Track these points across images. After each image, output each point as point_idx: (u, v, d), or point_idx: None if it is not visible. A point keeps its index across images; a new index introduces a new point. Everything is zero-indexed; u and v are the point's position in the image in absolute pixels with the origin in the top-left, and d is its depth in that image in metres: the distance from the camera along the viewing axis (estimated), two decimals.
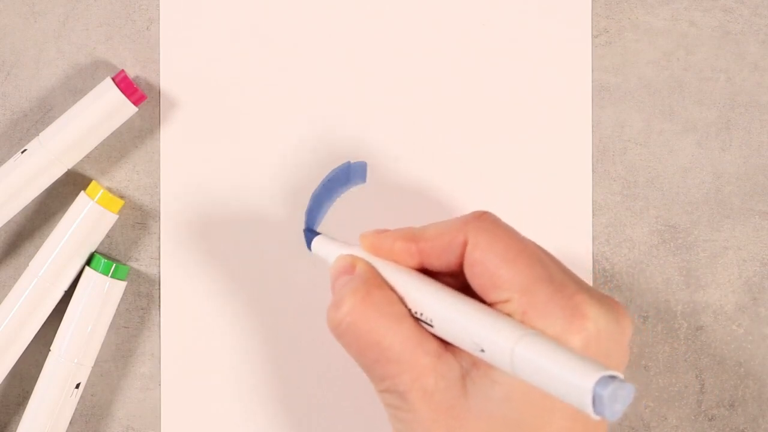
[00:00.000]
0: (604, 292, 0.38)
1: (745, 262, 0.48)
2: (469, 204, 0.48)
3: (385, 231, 0.41)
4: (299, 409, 0.48)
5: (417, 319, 0.38)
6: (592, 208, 0.48)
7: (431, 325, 0.38)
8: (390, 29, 0.48)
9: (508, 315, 0.36)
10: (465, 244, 0.38)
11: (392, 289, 0.39)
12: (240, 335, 0.48)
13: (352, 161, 0.47)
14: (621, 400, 0.31)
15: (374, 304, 0.38)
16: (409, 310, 0.38)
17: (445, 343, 0.38)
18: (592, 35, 0.48)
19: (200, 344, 0.48)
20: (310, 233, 0.45)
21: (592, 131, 0.48)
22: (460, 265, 0.38)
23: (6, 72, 0.48)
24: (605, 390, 0.31)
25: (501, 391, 0.36)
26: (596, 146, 0.48)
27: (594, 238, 0.48)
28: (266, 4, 0.48)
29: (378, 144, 0.48)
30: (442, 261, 0.39)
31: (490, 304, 0.37)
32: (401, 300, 0.39)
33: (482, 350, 0.35)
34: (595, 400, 0.31)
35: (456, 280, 0.39)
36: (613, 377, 0.31)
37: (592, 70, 0.48)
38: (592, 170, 0.48)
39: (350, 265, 0.40)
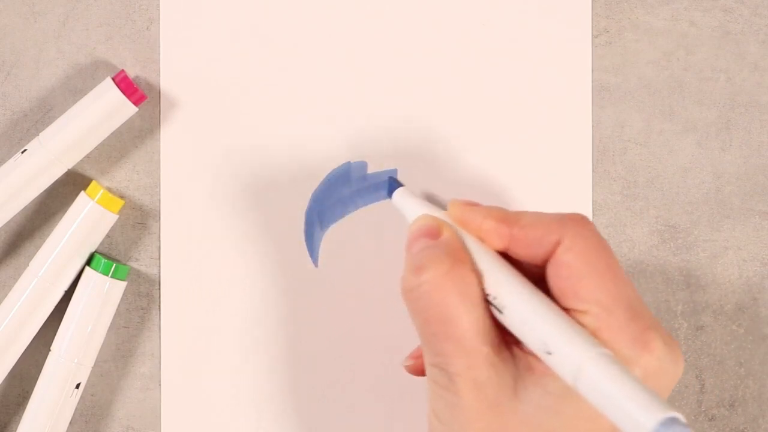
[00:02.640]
0: (669, 333, 0.38)
1: (745, 262, 0.48)
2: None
3: (477, 205, 0.40)
4: (299, 409, 0.48)
5: (488, 302, 0.37)
6: (592, 208, 0.48)
7: (501, 312, 0.37)
8: (390, 29, 0.48)
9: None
10: (558, 244, 0.37)
11: (473, 267, 0.38)
12: (240, 335, 0.48)
13: (352, 161, 0.47)
14: None
15: (454, 281, 0.37)
16: (483, 290, 0.38)
17: (505, 341, 0.38)
18: (592, 35, 0.48)
19: (200, 344, 0.48)
20: (394, 183, 0.44)
21: (592, 131, 0.48)
22: (544, 261, 0.38)
23: (6, 72, 0.48)
24: (666, 431, 0.31)
25: (552, 402, 0.36)
26: (596, 146, 0.48)
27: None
28: (266, 4, 0.48)
29: (378, 144, 0.48)
30: (528, 252, 0.38)
31: (565, 311, 0.37)
32: (478, 279, 0.38)
33: (549, 353, 0.35)
34: None
35: (535, 275, 0.38)
36: (675, 419, 0.31)
37: (592, 70, 0.48)
38: (592, 170, 0.48)
39: (436, 229, 0.39)
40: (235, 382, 0.48)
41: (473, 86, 0.48)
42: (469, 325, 0.37)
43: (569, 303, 0.37)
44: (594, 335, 0.36)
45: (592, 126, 0.48)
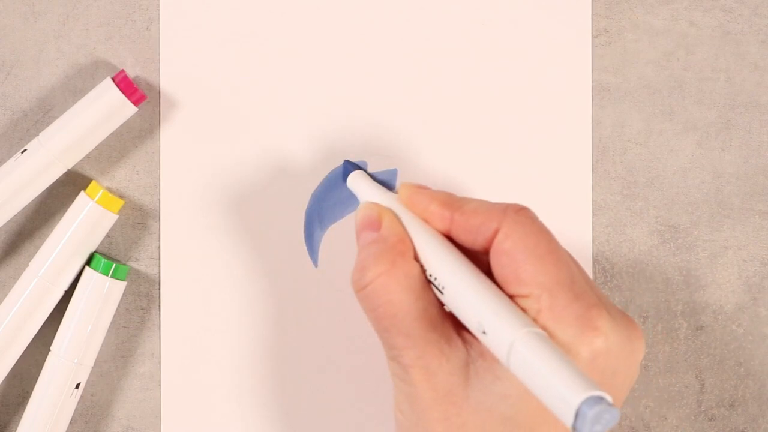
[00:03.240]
0: (621, 310, 0.38)
1: (745, 262, 0.48)
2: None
3: (424, 188, 0.41)
4: (299, 409, 0.48)
5: (429, 282, 0.38)
6: (592, 208, 0.48)
7: (441, 292, 0.38)
8: (390, 30, 0.48)
9: (523, 310, 0.36)
10: (496, 232, 0.38)
11: (415, 250, 0.39)
12: (240, 335, 0.48)
13: (351, 160, 0.47)
14: (604, 422, 0.31)
15: (396, 277, 0.38)
16: (425, 272, 0.38)
17: (458, 330, 0.38)
18: (592, 35, 0.48)
19: (200, 344, 0.48)
20: (350, 166, 0.45)
21: (592, 131, 0.48)
22: (485, 249, 0.38)
23: (6, 72, 0.48)
24: (590, 410, 0.31)
25: (502, 387, 0.36)
26: (596, 146, 0.48)
27: (594, 238, 0.48)
28: (266, 4, 0.48)
29: (377, 144, 0.48)
30: (469, 238, 0.39)
31: (509, 297, 0.37)
32: (420, 261, 0.39)
33: (484, 332, 0.35)
34: (578, 417, 0.31)
35: (477, 262, 0.39)
36: (601, 398, 0.31)
37: (592, 70, 0.48)
38: (592, 170, 0.48)
39: (376, 220, 0.41)
40: (235, 382, 0.48)
41: (473, 86, 0.48)
42: (415, 316, 0.38)
43: (512, 289, 0.37)
44: (536, 318, 0.36)
45: (592, 126, 0.48)
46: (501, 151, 0.48)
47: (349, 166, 0.46)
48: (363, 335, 0.48)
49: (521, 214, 0.38)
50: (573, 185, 0.48)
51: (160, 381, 0.48)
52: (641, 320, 0.48)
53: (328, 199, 0.47)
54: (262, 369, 0.48)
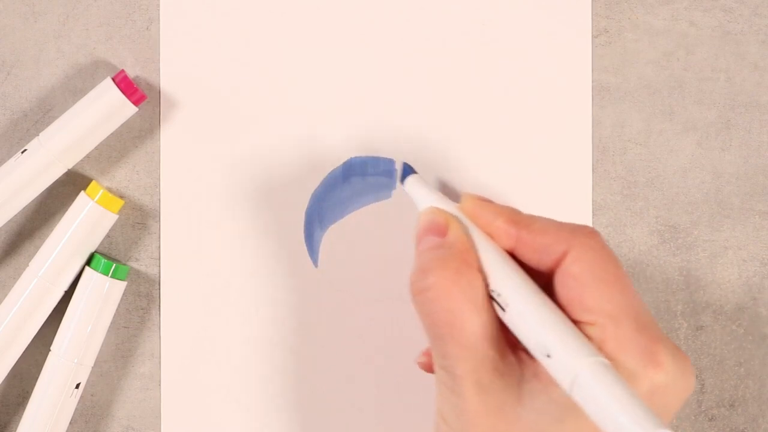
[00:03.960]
0: (677, 346, 0.38)
1: (745, 262, 0.48)
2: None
3: (490, 202, 0.40)
4: (299, 408, 0.48)
5: (492, 299, 0.37)
6: (592, 208, 0.48)
7: (504, 310, 0.37)
8: (390, 29, 0.48)
9: (587, 337, 0.36)
10: (565, 253, 0.37)
11: (479, 264, 0.38)
12: (240, 335, 0.48)
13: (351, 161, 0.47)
14: None
15: (460, 286, 0.37)
16: (488, 286, 0.38)
17: (512, 347, 0.38)
18: (592, 35, 0.48)
19: (200, 344, 0.48)
20: (408, 169, 0.44)
21: (592, 131, 0.48)
22: (550, 270, 0.38)
23: (6, 72, 0.48)
24: None
25: (556, 410, 0.36)
26: (596, 146, 0.48)
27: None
28: (266, 4, 0.48)
29: (377, 143, 0.48)
30: (535, 257, 0.38)
31: (572, 322, 0.36)
32: (484, 276, 0.38)
33: (548, 356, 0.35)
34: None
35: (539, 281, 0.38)
36: None
37: (592, 70, 0.48)
38: (592, 170, 0.48)
39: (443, 226, 0.39)
40: (235, 382, 0.48)
41: (473, 86, 0.48)
42: (474, 329, 0.37)
43: (576, 314, 0.36)
44: (600, 346, 0.35)
45: (592, 126, 0.48)
46: (501, 151, 0.48)
47: (408, 169, 0.44)
48: (363, 335, 0.48)
49: (592, 237, 0.37)
50: (573, 185, 0.48)
51: (160, 381, 0.48)
52: None
53: (328, 199, 0.47)
54: (262, 369, 0.48)
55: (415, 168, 0.47)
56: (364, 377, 0.48)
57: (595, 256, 0.37)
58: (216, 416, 0.48)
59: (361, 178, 0.47)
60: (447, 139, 0.48)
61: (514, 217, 0.39)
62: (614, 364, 0.35)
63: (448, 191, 0.46)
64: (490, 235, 0.39)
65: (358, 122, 0.48)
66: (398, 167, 0.44)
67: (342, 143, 0.48)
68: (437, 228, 0.40)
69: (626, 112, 0.48)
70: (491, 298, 0.37)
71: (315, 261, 0.47)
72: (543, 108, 0.48)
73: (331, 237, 0.48)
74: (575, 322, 0.36)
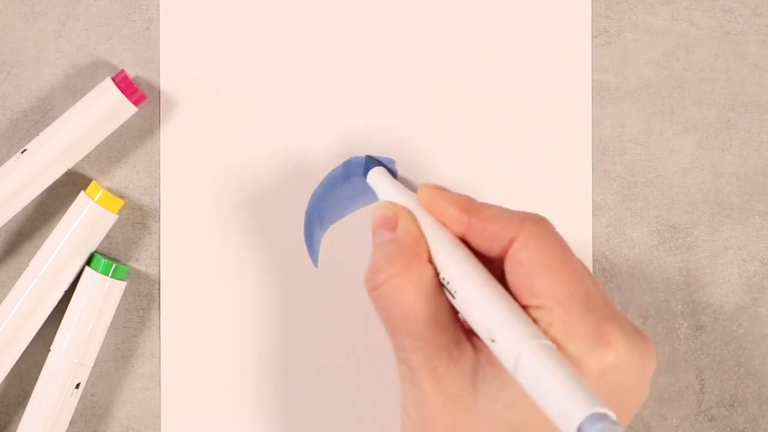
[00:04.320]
0: (635, 325, 0.38)
1: (745, 262, 0.48)
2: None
3: (444, 190, 0.41)
4: (299, 408, 0.48)
5: (442, 285, 0.38)
6: (592, 208, 0.48)
7: (453, 297, 0.38)
8: (390, 29, 0.48)
9: (534, 321, 0.36)
10: (512, 241, 0.38)
11: (429, 253, 0.39)
12: (240, 335, 0.48)
13: (351, 160, 0.47)
14: None
15: (410, 279, 0.38)
16: (437, 274, 0.38)
17: (468, 334, 0.38)
18: (592, 35, 0.48)
19: (200, 344, 0.48)
20: (371, 162, 0.45)
21: (592, 131, 0.48)
22: (500, 256, 0.38)
23: (6, 72, 0.48)
24: (593, 426, 0.31)
25: (509, 395, 0.36)
26: (596, 146, 0.48)
27: (594, 238, 0.48)
28: (266, 4, 0.48)
29: (377, 143, 0.48)
30: (485, 244, 0.39)
31: (522, 307, 0.37)
32: (434, 264, 0.39)
33: (493, 340, 0.35)
34: None
35: (493, 267, 0.39)
36: (605, 415, 0.31)
37: (592, 70, 0.48)
38: (592, 170, 0.48)
39: (392, 220, 0.41)
40: (234, 382, 0.48)
41: (473, 86, 0.48)
42: (426, 319, 0.38)
43: (525, 299, 0.37)
44: (547, 330, 0.36)
45: (592, 126, 0.48)
46: (501, 151, 0.48)
47: (371, 162, 0.45)
48: (363, 335, 0.48)
49: (539, 224, 0.38)
50: (573, 185, 0.48)
51: (160, 381, 0.48)
52: (641, 320, 0.48)
53: (328, 199, 0.47)
54: (262, 369, 0.48)
55: (416, 168, 0.47)
56: (364, 377, 0.48)
57: (541, 241, 0.37)
58: (216, 416, 0.48)
59: (361, 178, 0.47)
60: (447, 139, 0.48)
61: (467, 204, 0.40)
62: (561, 346, 0.35)
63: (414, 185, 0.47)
64: (443, 223, 0.40)
65: (357, 122, 0.48)
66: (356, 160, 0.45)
67: (341, 143, 0.48)
68: (387, 222, 0.41)
69: (626, 112, 0.48)
70: (442, 286, 0.38)
71: (315, 261, 0.48)
72: (543, 108, 0.48)
73: (331, 237, 0.48)
74: (524, 306, 0.37)
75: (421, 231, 0.40)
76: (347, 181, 0.47)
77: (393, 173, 0.46)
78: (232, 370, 0.48)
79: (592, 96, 0.48)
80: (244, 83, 0.48)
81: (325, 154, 0.48)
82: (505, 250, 0.38)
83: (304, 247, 0.48)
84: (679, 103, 0.48)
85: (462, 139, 0.48)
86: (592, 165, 0.48)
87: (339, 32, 0.48)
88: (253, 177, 0.48)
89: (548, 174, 0.48)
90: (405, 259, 0.39)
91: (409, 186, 0.45)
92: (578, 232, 0.48)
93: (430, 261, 0.39)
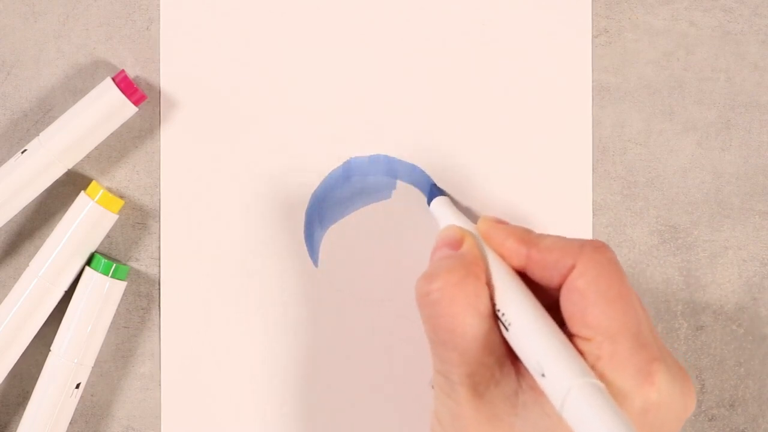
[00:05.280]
0: (680, 364, 0.38)
1: (745, 262, 0.48)
2: (468, 204, 0.48)
3: (503, 223, 0.41)
4: (299, 408, 0.48)
5: (497, 317, 0.38)
6: (592, 208, 0.48)
7: (507, 329, 0.38)
8: (390, 30, 0.48)
9: (582, 353, 0.36)
10: (572, 269, 0.37)
11: (488, 281, 0.39)
12: (240, 335, 0.48)
13: (352, 161, 0.47)
14: None
15: (464, 292, 0.38)
16: (494, 305, 0.38)
17: (513, 358, 0.38)
18: (592, 35, 0.48)
19: (200, 344, 0.48)
20: (436, 190, 0.45)
21: (592, 131, 0.48)
22: (560, 285, 0.38)
23: (6, 72, 0.48)
24: None
25: (549, 423, 0.36)
26: (596, 146, 0.48)
27: (594, 238, 0.48)
28: (266, 4, 0.48)
29: (377, 144, 0.48)
30: (544, 274, 0.39)
31: (571, 335, 0.37)
32: (491, 293, 0.39)
33: (543, 375, 0.35)
34: None
35: (551, 297, 0.39)
36: None
37: (592, 70, 0.48)
38: (592, 170, 0.48)
39: (458, 241, 0.41)
40: (234, 382, 0.48)
41: (473, 86, 0.48)
42: (474, 336, 0.37)
43: (576, 329, 0.37)
44: (595, 363, 0.36)
45: (592, 126, 0.48)
46: (501, 151, 0.48)
47: (435, 191, 0.46)
48: (363, 335, 0.48)
49: (599, 252, 0.38)
50: (573, 185, 0.48)
51: (160, 381, 0.48)
52: None
53: (328, 199, 0.47)
54: (262, 369, 0.48)
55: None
56: (364, 377, 0.48)
57: (600, 270, 0.37)
58: (216, 416, 0.48)
59: (361, 178, 0.47)
60: (447, 139, 0.48)
61: (524, 236, 0.40)
62: (607, 381, 0.35)
63: (472, 215, 0.47)
64: (503, 256, 0.40)
65: (357, 121, 0.48)
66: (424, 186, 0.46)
67: (342, 143, 0.48)
68: (452, 242, 0.41)
69: (626, 112, 0.48)
70: (496, 317, 0.38)
71: (315, 261, 0.48)
72: (543, 108, 0.48)
73: (331, 237, 0.48)
74: (575, 336, 0.37)
75: (483, 255, 0.40)
76: (347, 181, 0.47)
77: (437, 189, 0.46)
78: (232, 370, 0.48)
79: (592, 96, 0.48)
80: (244, 83, 0.48)
81: (325, 153, 0.48)
82: (564, 279, 0.38)
83: (304, 247, 0.48)
84: (679, 103, 0.48)
85: (462, 139, 0.48)
86: (592, 165, 0.48)
87: (339, 32, 0.48)
88: (253, 177, 0.48)
89: (548, 174, 0.48)
90: (463, 271, 0.38)
91: (470, 217, 0.46)
92: (578, 232, 0.48)
93: (487, 285, 0.39)
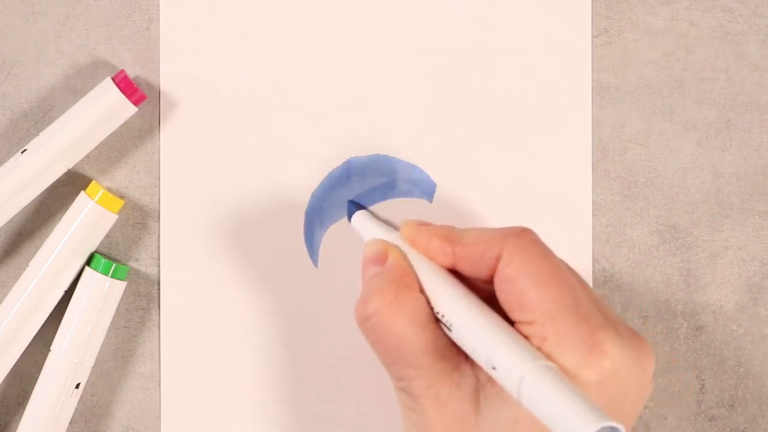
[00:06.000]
0: (631, 328, 0.37)
1: (745, 262, 0.48)
2: (468, 204, 0.48)
3: (426, 225, 0.41)
4: (299, 409, 0.48)
5: (438, 320, 0.38)
6: (592, 208, 0.48)
7: (450, 329, 0.37)
8: (390, 30, 0.48)
9: (528, 337, 0.36)
10: (499, 258, 0.37)
11: (421, 287, 0.39)
12: (240, 335, 0.48)
13: (351, 161, 0.47)
14: None
15: (400, 308, 0.38)
16: (432, 309, 0.38)
17: (465, 356, 0.38)
18: (592, 35, 0.48)
19: (200, 344, 0.48)
20: (354, 206, 0.45)
21: (592, 131, 0.48)
22: (491, 278, 0.38)
23: (6, 72, 0.48)
24: None
25: (511, 412, 0.36)
26: (596, 146, 0.48)
27: (594, 238, 0.48)
28: (266, 4, 0.48)
29: (377, 144, 0.48)
30: (474, 268, 0.38)
31: (513, 323, 0.37)
32: (427, 298, 0.39)
33: (493, 368, 0.35)
34: None
35: (488, 288, 0.38)
36: (613, 428, 0.31)
37: (592, 70, 0.48)
38: (592, 170, 0.48)
39: (382, 255, 0.40)
40: (234, 382, 0.48)
41: (473, 86, 0.48)
42: (421, 347, 0.38)
43: (516, 315, 0.37)
44: (540, 345, 0.36)
45: (592, 126, 0.48)
46: (501, 151, 0.48)
47: (352, 206, 0.46)
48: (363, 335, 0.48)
49: (522, 237, 0.38)
50: (573, 185, 0.48)
51: (160, 381, 0.48)
52: (641, 320, 0.48)
53: (328, 199, 0.47)
54: (262, 369, 0.48)
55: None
56: (364, 377, 0.48)
57: (525, 255, 0.37)
58: (216, 416, 0.48)
59: (361, 178, 0.47)
60: (447, 139, 0.48)
61: (448, 234, 0.40)
62: (556, 360, 0.35)
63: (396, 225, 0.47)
64: (430, 257, 0.40)
65: (358, 122, 0.48)
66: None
67: (342, 143, 0.48)
68: (377, 257, 0.41)
69: (626, 112, 0.48)
70: (438, 321, 0.38)
71: (315, 261, 0.48)
72: (543, 108, 0.48)
73: (331, 237, 0.48)
74: (516, 322, 0.36)
75: (410, 265, 0.40)
76: (347, 181, 0.47)
77: (356, 205, 0.46)
78: (232, 370, 0.48)
79: (592, 96, 0.48)
80: (244, 83, 0.48)
81: (325, 154, 0.48)
82: (494, 270, 0.38)
83: (304, 247, 0.48)
84: (679, 103, 0.48)
85: (462, 139, 0.48)
86: (592, 165, 0.48)
87: (339, 32, 0.48)
88: (253, 177, 0.48)
89: (548, 174, 0.48)
90: (395, 288, 0.38)
91: (392, 226, 0.45)
92: (578, 232, 0.48)
93: (422, 293, 0.39)
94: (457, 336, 0.37)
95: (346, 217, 0.47)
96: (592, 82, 0.48)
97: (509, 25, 0.48)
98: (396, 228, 0.43)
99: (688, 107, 0.48)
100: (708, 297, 0.48)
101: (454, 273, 0.39)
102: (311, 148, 0.48)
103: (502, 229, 0.39)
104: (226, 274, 0.48)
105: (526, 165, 0.48)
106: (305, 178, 0.48)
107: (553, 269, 0.37)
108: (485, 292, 0.38)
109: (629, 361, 0.36)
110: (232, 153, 0.48)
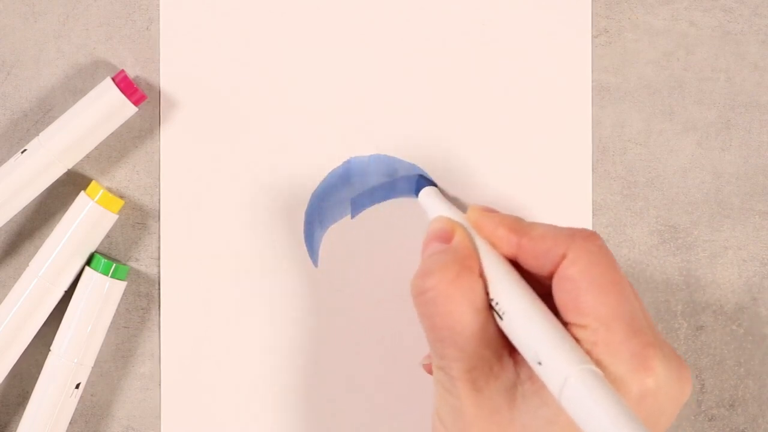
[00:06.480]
0: (675, 351, 0.38)
1: (745, 262, 0.48)
2: (468, 204, 0.48)
3: (493, 212, 0.41)
4: (299, 408, 0.48)
5: (491, 307, 0.38)
6: (592, 208, 0.48)
7: (501, 318, 0.37)
8: (390, 30, 0.48)
9: (578, 340, 0.36)
10: (563, 257, 0.37)
11: (480, 272, 0.39)
12: (240, 335, 0.48)
13: (351, 161, 0.47)
14: None
15: (461, 288, 0.38)
16: (487, 294, 0.38)
17: (510, 349, 0.38)
18: (592, 35, 0.48)
19: (200, 344, 0.48)
20: (424, 181, 0.45)
21: (592, 131, 0.48)
22: (551, 274, 0.38)
23: (6, 72, 0.48)
24: None
25: (549, 413, 0.36)
26: (596, 146, 0.48)
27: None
28: (266, 4, 0.48)
29: (377, 144, 0.48)
30: (536, 263, 0.38)
31: (565, 324, 0.37)
32: (484, 283, 0.38)
33: (539, 363, 0.35)
34: None
35: (545, 285, 0.38)
36: None
37: (592, 70, 0.48)
38: (592, 170, 0.48)
39: (448, 233, 0.40)
40: (234, 382, 0.48)
41: (473, 86, 0.48)
42: (471, 330, 0.37)
43: (570, 317, 0.37)
44: (590, 350, 0.36)
45: (592, 126, 0.48)
46: (501, 151, 0.48)
47: (423, 181, 0.46)
48: (363, 335, 0.48)
49: (589, 240, 0.38)
50: (573, 185, 0.48)
51: (160, 381, 0.48)
52: None
53: (328, 199, 0.47)
54: (262, 369, 0.48)
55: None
56: (364, 377, 0.48)
57: (591, 258, 0.37)
58: (216, 416, 0.48)
59: (361, 178, 0.47)
60: (447, 139, 0.48)
61: (515, 225, 0.40)
62: (603, 367, 0.35)
63: (460, 204, 0.47)
64: (493, 244, 0.40)
65: (358, 122, 0.48)
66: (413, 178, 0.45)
67: (342, 143, 0.48)
68: (443, 235, 0.40)
69: (626, 112, 0.48)
70: (490, 306, 0.38)
71: (315, 261, 0.48)
72: (543, 108, 0.48)
73: (331, 237, 0.48)
74: (569, 324, 0.36)
75: (475, 247, 0.40)
76: (348, 181, 0.47)
77: (425, 179, 0.46)
78: (232, 370, 0.48)
79: (592, 96, 0.48)
80: (244, 83, 0.48)
81: (325, 154, 0.48)
82: (557, 268, 0.38)
83: (304, 247, 0.48)
84: (679, 103, 0.48)
85: (462, 139, 0.48)
86: (592, 165, 0.48)
87: (339, 32, 0.48)
88: (253, 177, 0.48)
89: (548, 174, 0.48)
90: (457, 268, 0.38)
91: (458, 206, 0.45)
92: None
93: (481, 277, 0.39)
94: (507, 325, 0.37)
95: (346, 217, 0.47)
96: (592, 82, 0.48)
97: (509, 25, 0.48)
98: (462, 209, 0.43)
99: (688, 107, 0.48)
100: (708, 297, 0.48)
101: (514, 264, 0.39)
102: (311, 148, 0.48)
103: (570, 228, 0.39)
104: (226, 274, 0.48)
105: (526, 165, 0.48)
106: (305, 178, 0.48)
107: (616, 278, 0.37)
108: (540, 289, 0.38)
109: (671, 381, 0.36)
110: (232, 153, 0.48)
